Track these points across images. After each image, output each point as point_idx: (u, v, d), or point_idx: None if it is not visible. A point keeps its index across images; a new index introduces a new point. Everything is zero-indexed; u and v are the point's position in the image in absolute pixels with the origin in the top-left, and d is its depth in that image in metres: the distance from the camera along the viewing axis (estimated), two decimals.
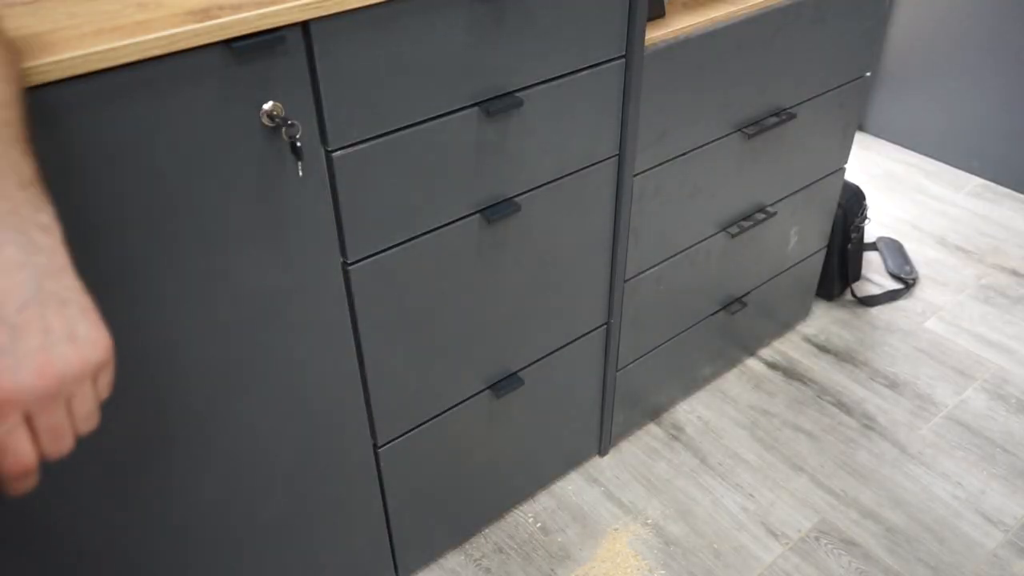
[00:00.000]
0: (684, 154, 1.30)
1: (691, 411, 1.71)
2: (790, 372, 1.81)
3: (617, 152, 1.19)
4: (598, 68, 1.08)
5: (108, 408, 0.85)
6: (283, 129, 0.82)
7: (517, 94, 1.00)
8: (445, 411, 1.22)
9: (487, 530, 1.47)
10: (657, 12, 1.17)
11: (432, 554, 1.40)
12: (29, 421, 0.48)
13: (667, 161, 1.28)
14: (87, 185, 0.73)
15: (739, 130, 1.36)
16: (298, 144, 0.83)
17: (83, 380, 0.50)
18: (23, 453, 0.47)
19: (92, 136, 0.72)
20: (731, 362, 1.80)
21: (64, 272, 0.51)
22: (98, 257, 0.77)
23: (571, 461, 1.56)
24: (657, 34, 1.14)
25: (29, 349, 0.47)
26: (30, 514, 0.86)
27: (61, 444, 0.50)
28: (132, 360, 0.84)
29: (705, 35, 1.18)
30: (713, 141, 1.33)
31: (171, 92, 0.74)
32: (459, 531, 1.42)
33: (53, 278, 0.50)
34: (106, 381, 0.53)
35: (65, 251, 0.51)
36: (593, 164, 1.17)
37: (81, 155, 0.72)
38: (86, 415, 0.51)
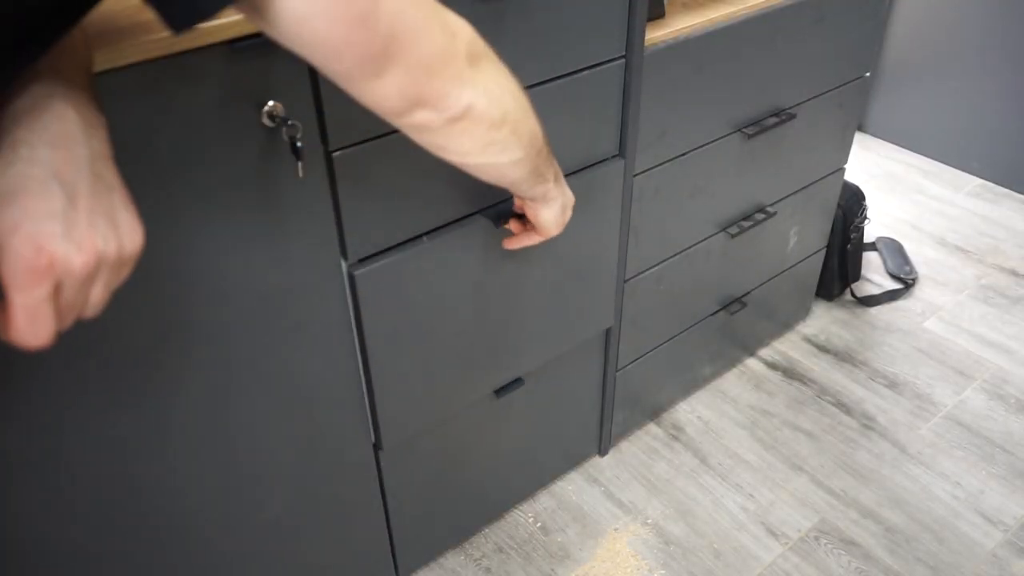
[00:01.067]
0: (684, 154, 1.30)
1: (691, 411, 1.71)
2: (790, 372, 1.81)
3: (617, 152, 1.19)
4: (598, 68, 1.08)
5: (109, 405, 0.86)
6: (283, 129, 0.82)
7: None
8: (449, 413, 1.22)
9: (487, 530, 1.47)
10: (657, 12, 1.17)
11: (432, 554, 1.40)
12: (55, 293, 0.47)
13: (667, 161, 1.28)
14: None
15: (739, 130, 1.36)
16: (298, 144, 0.83)
17: (114, 267, 0.50)
18: (46, 326, 0.47)
19: None
20: (731, 362, 1.80)
21: (110, 160, 0.52)
22: None
23: (571, 461, 1.56)
24: (657, 34, 1.14)
25: (77, 222, 0.47)
26: (31, 518, 0.86)
27: (64, 323, 0.49)
28: (132, 359, 0.84)
29: (705, 35, 1.18)
30: (713, 141, 1.33)
31: (171, 92, 0.74)
32: (459, 531, 1.42)
33: (102, 162, 0.51)
34: (126, 273, 0.53)
35: (110, 143, 0.53)
36: (593, 164, 1.17)
37: None
38: (97, 302, 0.51)
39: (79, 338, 0.80)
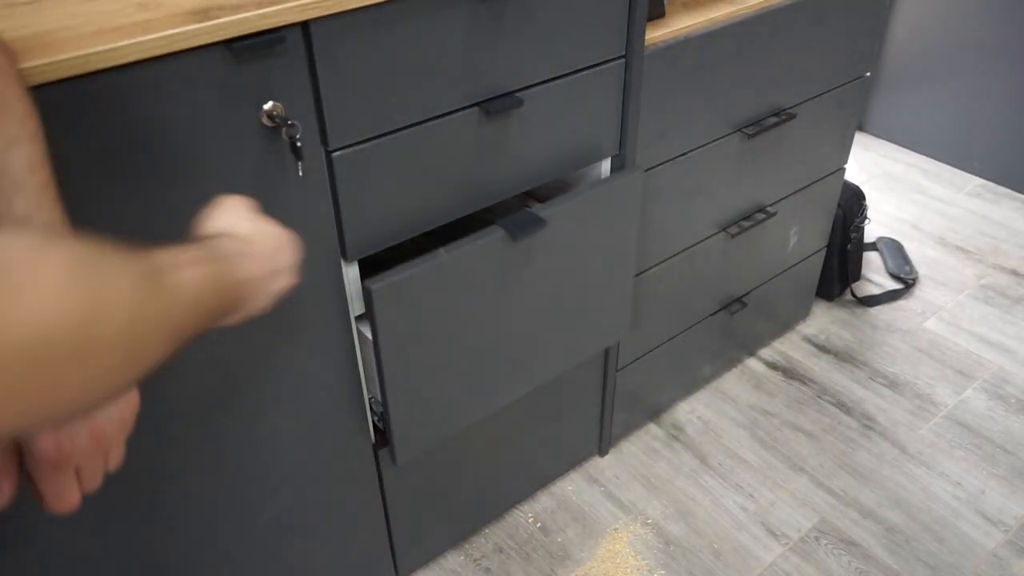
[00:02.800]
0: (684, 154, 1.30)
1: (691, 411, 1.71)
2: (790, 372, 1.81)
3: (618, 152, 1.19)
4: (598, 68, 1.08)
5: None
6: (283, 129, 0.82)
7: (517, 94, 1.00)
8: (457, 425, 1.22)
9: (487, 530, 1.47)
10: (657, 12, 1.17)
11: (432, 554, 1.40)
12: (78, 471, 0.55)
13: (667, 161, 1.28)
14: (86, 185, 0.73)
15: (739, 130, 1.36)
16: (298, 144, 0.83)
17: (121, 434, 0.57)
18: (71, 497, 0.56)
19: (92, 135, 0.72)
20: (731, 362, 1.80)
21: None
22: None
23: (571, 461, 1.56)
24: (657, 34, 1.14)
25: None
26: (24, 519, 0.86)
27: (94, 483, 0.57)
28: None
29: (705, 35, 1.18)
30: (713, 141, 1.33)
31: (171, 92, 0.74)
32: (459, 531, 1.42)
33: None
34: (131, 425, 0.59)
35: None
36: (594, 164, 1.17)
37: (80, 154, 0.72)
38: (116, 461, 0.59)
39: None
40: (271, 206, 0.86)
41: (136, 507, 0.94)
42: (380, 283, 0.94)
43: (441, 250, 0.99)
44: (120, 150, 0.74)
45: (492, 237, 1.02)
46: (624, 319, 1.30)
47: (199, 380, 0.91)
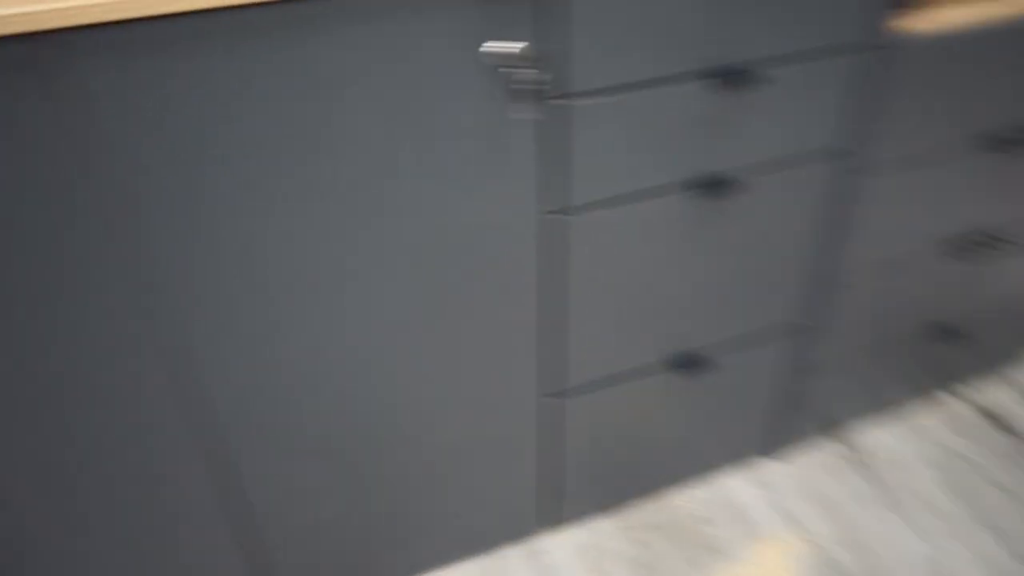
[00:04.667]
0: (924, 161, 1.21)
1: (878, 437, 1.60)
2: (997, 420, 1.64)
3: (848, 147, 1.13)
4: (842, 54, 1.03)
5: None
6: (527, 72, 0.84)
7: (754, 70, 0.98)
8: (625, 376, 1.23)
9: (642, 505, 1.47)
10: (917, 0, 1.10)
11: (578, 515, 1.42)
12: None
13: (906, 166, 1.20)
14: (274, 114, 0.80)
15: (986, 145, 1.25)
16: (542, 89, 0.85)
17: None
18: None
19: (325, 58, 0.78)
20: (931, 395, 1.66)
21: None
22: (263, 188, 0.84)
23: (739, 458, 1.52)
24: (917, 25, 1.07)
25: None
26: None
27: None
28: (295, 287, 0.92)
29: (976, 32, 1.10)
30: (954, 153, 1.23)
31: (398, 31, 0.78)
32: (613, 499, 1.43)
33: None
34: None
35: None
36: (820, 157, 1.12)
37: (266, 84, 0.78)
38: None
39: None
40: (492, 146, 0.90)
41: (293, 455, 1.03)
42: (577, 217, 1.01)
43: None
44: (348, 83, 0.80)
45: (681, 190, 1.06)
46: (792, 304, 1.29)
47: (412, 294, 0.98)
